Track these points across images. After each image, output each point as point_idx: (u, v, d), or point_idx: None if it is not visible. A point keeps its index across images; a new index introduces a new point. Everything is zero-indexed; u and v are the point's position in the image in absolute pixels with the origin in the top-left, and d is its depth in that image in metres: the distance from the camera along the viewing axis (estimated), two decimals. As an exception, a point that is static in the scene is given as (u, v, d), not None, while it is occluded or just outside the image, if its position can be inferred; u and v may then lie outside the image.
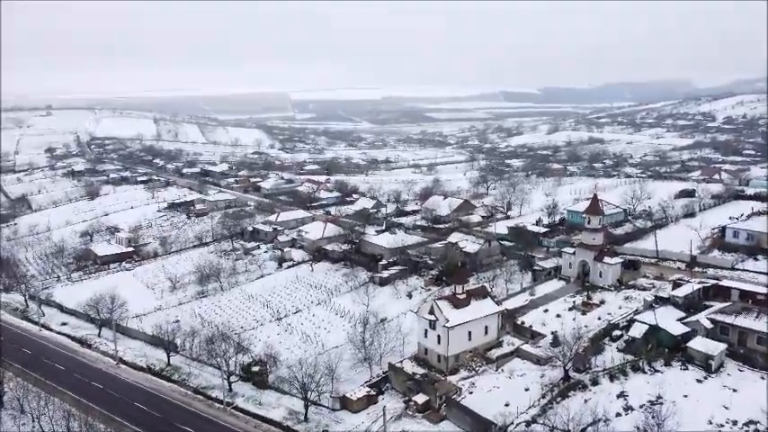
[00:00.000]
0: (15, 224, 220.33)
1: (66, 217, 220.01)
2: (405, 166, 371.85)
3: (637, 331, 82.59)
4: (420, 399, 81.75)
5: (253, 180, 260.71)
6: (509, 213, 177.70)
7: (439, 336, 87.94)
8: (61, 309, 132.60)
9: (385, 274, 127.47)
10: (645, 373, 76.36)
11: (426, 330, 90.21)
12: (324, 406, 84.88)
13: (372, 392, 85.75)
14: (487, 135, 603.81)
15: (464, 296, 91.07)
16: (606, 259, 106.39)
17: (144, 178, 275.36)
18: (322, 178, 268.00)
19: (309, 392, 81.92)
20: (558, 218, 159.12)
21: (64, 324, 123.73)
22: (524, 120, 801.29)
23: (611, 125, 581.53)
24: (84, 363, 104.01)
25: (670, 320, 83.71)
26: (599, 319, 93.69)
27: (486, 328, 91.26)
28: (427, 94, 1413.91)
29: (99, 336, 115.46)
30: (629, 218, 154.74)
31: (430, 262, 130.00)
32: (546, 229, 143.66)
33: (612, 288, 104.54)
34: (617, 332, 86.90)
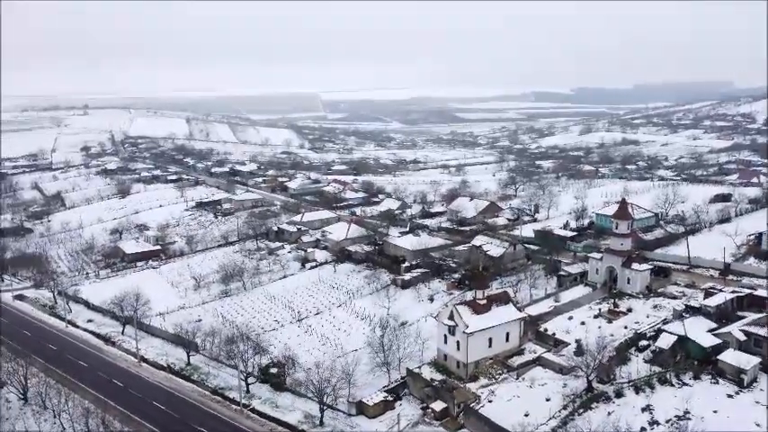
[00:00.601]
0: (49, 221, 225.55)
1: (97, 214, 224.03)
2: (433, 167, 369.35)
3: (664, 342, 79.50)
4: (438, 406, 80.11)
5: (280, 180, 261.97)
6: (536, 216, 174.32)
7: (458, 342, 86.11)
8: (88, 305, 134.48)
9: (407, 276, 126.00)
10: (672, 386, 73.43)
11: (446, 336, 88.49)
12: (340, 410, 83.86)
13: (390, 398, 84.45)
14: (518, 136, 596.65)
15: (485, 301, 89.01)
16: (634, 265, 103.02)
17: (174, 177, 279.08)
18: (349, 178, 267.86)
19: (325, 396, 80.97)
20: (586, 221, 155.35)
21: (90, 321, 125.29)
22: (556, 120, 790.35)
23: (645, 126, 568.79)
24: (107, 360, 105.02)
25: (700, 331, 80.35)
26: (625, 327, 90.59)
27: (508, 334, 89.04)
28: (458, 94, 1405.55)
29: (122, 333, 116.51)
30: (661, 223, 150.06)
31: (453, 265, 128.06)
32: (573, 233, 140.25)
33: (641, 296, 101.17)
34: (644, 342, 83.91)
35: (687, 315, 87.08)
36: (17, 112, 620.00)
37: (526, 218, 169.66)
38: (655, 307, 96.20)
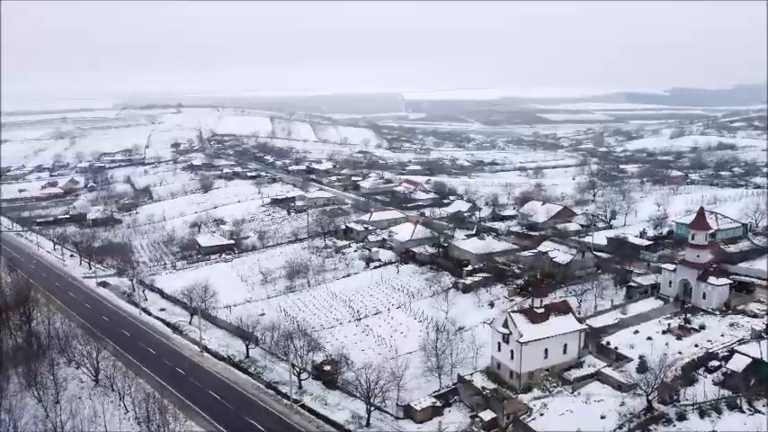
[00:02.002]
0: (137, 213, 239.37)
1: (180, 208, 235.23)
2: (511, 169, 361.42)
3: (737, 364, 73.55)
4: (486, 415, 77.89)
5: (353, 179, 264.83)
6: (612, 223, 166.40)
7: (512, 351, 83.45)
8: (162, 294, 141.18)
9: (468, 280, 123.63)
10: (742, 412, 67.83)
11: (500, 344, 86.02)
12: (388, 413, 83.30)
13: (438, 404, 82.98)
14: (603, 138, 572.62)
15: (542, 310, 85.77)
16: (711, 279, 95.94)
17: (253, 174, 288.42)
18: (422, 179, 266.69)
19: (373, 397, 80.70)
20: (665, 230, 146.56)
21: (162, 309, 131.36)
22: (647, 122, 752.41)
23: (745, 130, 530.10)
24: (173, 348, 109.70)
25: (781, 355, 73.64)
26: (696, 346, 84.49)
27: (566, 346, 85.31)
28: (544, 94, 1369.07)
29: (190, 323, 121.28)
30: (749, 234, 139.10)
31: (517, 271, 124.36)
32: (649, 242, 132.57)
33: (717, 312, 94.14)
34: (715, 363, 77.95)
35: (767, 336, 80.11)
36: (117, 110, 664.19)
37: (600, 224, 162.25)
38: (731, 325, 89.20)
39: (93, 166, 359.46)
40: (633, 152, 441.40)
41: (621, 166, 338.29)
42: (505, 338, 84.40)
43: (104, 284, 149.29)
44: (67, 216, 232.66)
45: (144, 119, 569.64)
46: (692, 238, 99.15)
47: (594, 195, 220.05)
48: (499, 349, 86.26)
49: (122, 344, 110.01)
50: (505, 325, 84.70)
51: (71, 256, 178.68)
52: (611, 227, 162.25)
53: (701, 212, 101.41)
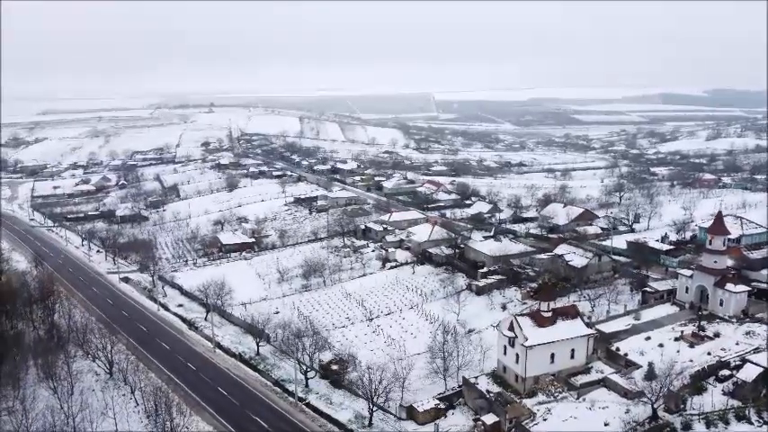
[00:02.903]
0: (164, 210, 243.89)
1: (205, 206, 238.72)
2: (538, 171, 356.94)
3: (747, 374, 71.36)
4: (489, 419, 77.19)
5: (377, 179, 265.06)
6: (634, 226, 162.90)
7: (517, 354, 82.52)
8: (181, 291, 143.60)
9: (482, 282, 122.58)
10: (751, 423, 65.79)
11: (506, 347, 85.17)
12: (391, 413, 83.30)
13: (441, 406, 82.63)
14: (636, 140, 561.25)
15: (550, 314, 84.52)
16: (729, 286, 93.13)
17: (278, 173, 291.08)
18: (446, 179, 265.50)
19: (376, 397, 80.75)
20: (689, 234, 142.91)
21: (180, 305, 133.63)
22: (683, 124, 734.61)
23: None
24: (186, 344, 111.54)
25: (794, 366, 71.15)
26: (708, 354, 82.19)
27: (573, 351, 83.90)
28: (577, 95, 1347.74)
29: (205, 320, 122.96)
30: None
31: (532, 274, 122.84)
32: (670, 247, 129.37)
33: (734, 320, 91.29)
34: (726, 372, 75.62)
35: (784, 346, 77.56)
36: (151, 110, 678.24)
37: (622, 228, 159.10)
38: (747, 333, 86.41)
39: (126, 164, 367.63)
40: (666, 154, 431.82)
41: (652, 169, 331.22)
42: (511, 342, 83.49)
43: (126, 280, 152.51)
44: (97, 213, 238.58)
45: (177, 118, 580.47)
46: (710, 243, 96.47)
47: (620, 198, 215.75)
48: (505, 353, 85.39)
49: (138, 338, 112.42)
50: (511, 328, 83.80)
51: (97, 251, 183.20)
52: (632, 230, 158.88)
53: (719, 216, 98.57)
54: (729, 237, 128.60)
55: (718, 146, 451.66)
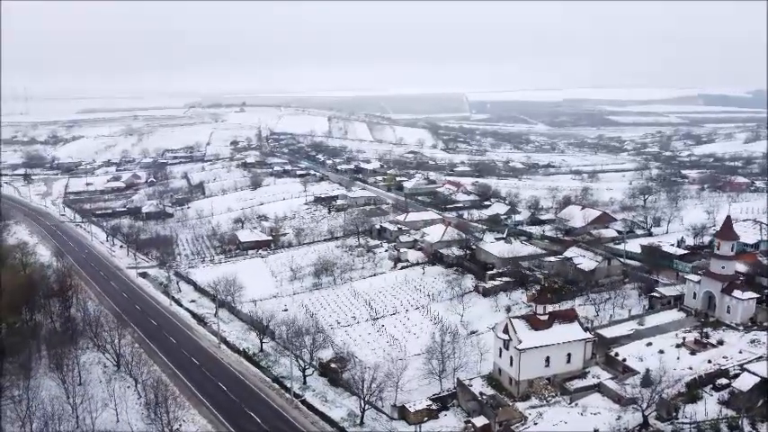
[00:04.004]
0: (189, 207, 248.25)
1: (228, 204, 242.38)
2: (566, 172, 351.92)
3: (744, 383, 69.46)
4: (479, 422, 77.01)
5: (398, 179, 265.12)
6: (653, 230, 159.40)
7: (512, 357, 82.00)
8: (195, 287, 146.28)
9: (489, 284, 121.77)
10: (743, 434, 63.87)
11: (501, 350, 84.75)
12: (384, 413, 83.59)
13: (434, 407, 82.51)
14: (671, 142, 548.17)
15: (546, 317, 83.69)
16: (736, 293, 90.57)
17: (302, 172, 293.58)
18: (468, 180, 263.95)
19: (369, 396, 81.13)
20: (706, 239, 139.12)
21: (192, 301, 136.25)
22: (722, 126, 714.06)
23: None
24: (193, 339, 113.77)
25: (792, 376, 68.91)
26: (709, 362, 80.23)
27: (570, 355, 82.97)
28: (615, 96, 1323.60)
29: (215, 315, 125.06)
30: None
31: (539, 276, 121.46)
32: (684, 251, 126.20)
33: (741, 327, 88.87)
34: (724, 381, 73.66)
35: (787, 355, 75.15)
36: (185, 108, 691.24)
37: (639, 231, 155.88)
38: (752, 342, 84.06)
39: (156, 162, 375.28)
40: (700, 157, 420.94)
41: (683, 172, 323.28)
42: (506, 344, 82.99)
43: (144, 275, 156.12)
44: (124, 209, 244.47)
45: (209, 117, 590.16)
46: (718, 248, 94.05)
47: (645, 201, 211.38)
48: (500, 355, 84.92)
49: (148, 332, 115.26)
50: (506, 331, 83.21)
51: (120, 247, 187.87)
52: (650, 234, 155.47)
53: (727, 221, 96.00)
54: (747, 242, 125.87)
55: (757, 148, 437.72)
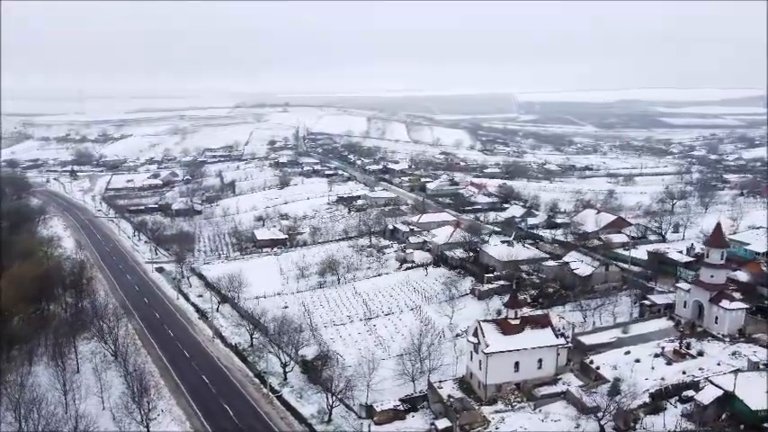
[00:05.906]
0: (217, 205, 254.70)
1: (254, 202, 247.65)
2: (602, 175, 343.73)
3: (706, 396, 67.19)
4: (441, 424, 77.04)
5: (423, 180, 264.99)
6: (667, 236, 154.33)
7: (480, 361, 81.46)
8: (206, 283, 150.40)
9: (485, 287, 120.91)
10: (699, 448, 61.92)
11: (471, 353, 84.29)
12: (354, 411, 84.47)
13: (402, 407, 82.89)
14: (721, 145, 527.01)
15: (517, 322, 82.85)
16: (723, 302, 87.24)
17: (330, 172, 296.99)
18: (494, 182, 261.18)
19: (339, 394, 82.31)
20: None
21: (200, 296, 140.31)
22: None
23: None
24: (190, 332, 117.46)
25: (759, 390, 66.19)
26: (684, 373, 77.70)
27: (541, 361, 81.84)
28: (671, 97, 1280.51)
29: (217, 310, 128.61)
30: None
31: (536, 280, 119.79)
32: (690, 259, 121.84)
33: (726, 339, 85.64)
34: (690, 393, 71.35)
35: (764, 368, 72.18)
36: (229, 108, 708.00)
37: (653, 237, 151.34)
38: (733, 354, 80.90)
39: (195, 161, 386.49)
40: (747, 161, 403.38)
41: (725, 176, 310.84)
42: (475, 348, 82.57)
43: (160, 270, 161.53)
44: (156, 206, 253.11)
45: (251, 117, 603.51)
46: (707, 256, 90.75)
47: (673, 206, 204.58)
48: (471, 359, 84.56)
49: (149, 324, 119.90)
50: (475, 334, 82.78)
51: (145, 242, 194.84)
52: (664, 240, 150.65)
53: (717, 228, 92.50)
54: (758, 251, 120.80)
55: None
